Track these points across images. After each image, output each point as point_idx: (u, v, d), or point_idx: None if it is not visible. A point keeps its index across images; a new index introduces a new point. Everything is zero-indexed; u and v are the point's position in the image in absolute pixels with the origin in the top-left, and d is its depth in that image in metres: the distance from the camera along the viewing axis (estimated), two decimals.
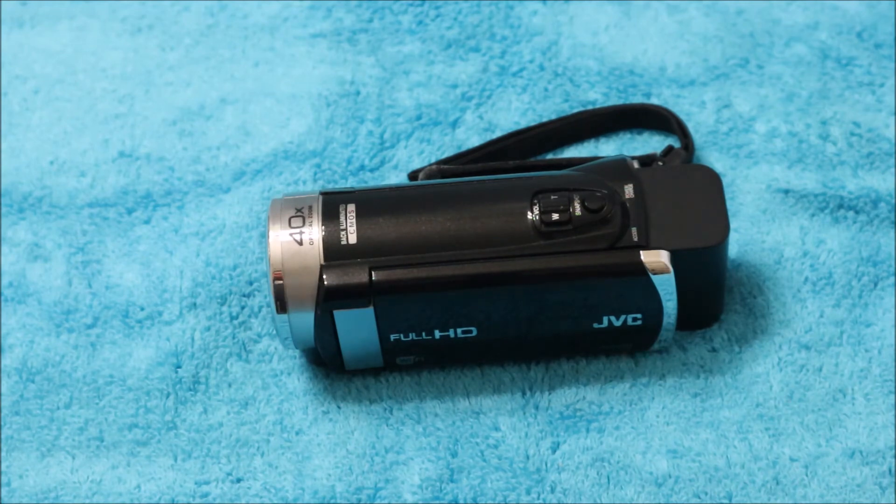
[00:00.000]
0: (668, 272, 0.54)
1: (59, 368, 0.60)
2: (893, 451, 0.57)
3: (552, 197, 0.55)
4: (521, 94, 0.66)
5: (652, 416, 0.58)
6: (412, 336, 0.55)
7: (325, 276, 0.54)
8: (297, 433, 0.58)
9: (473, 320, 0.55)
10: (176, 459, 0.58)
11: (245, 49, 0.69)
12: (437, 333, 0.56)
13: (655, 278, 0.54)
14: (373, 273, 0.54)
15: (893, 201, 0.62)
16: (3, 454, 0.58)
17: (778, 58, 0.67)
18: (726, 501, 0.56)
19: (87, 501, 0.57)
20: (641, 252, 0.55)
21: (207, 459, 0.57)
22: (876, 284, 0.60)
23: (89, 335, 0.61)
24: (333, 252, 0.55)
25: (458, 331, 0.56)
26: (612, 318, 0.56)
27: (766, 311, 0.60)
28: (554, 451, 0.57)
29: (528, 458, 0.57)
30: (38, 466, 0.58)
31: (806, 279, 0.61)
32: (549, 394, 0.58)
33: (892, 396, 0.58)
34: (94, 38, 0.69)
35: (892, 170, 0.63)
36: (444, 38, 0.68)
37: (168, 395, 0.59)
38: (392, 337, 0.55)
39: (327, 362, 0.57)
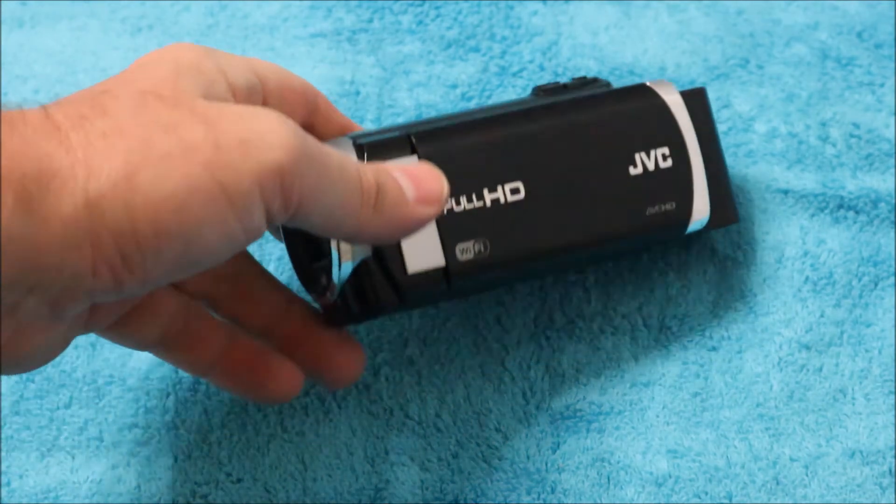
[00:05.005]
0: (675, 93, 0.57)
1: (59, 368, 0.60)
2: (894, 452, 0.57)
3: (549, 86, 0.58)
4: (521, 94, 0.66)
5: (652, 416, 0.58)
6: (463, 204, 0.53)
7: (358, 141, 0.53)
8: (297, 433, 0.58)
9: (516, 172, 0.54)
10: (176, 460, 0.57)
11: (245, 49, 0.68)
12: (487, 197, 0.53)
13: (667, 99, 0.57)
14: (412, 137, 0.54)
15: (893, 201, 0.62)
16: (3, 454, 0.58)
17: (778, 58, 0.67)
18: (726, 501, 0.56)
19: (87, 501, 0.57)
20: (648, 82, 0.58)
21: (208, 460, 0.57)
22: (876, 284, 0.60)
23: (89, 335, 0.61)
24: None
25: (507, 190, 0.54)
26: (644, 158, 0.56)
27: (767, 310, 0.60)
28: (554, 452, 0.57)
29: (528, 458, 0.57)
30: (37, 466, 0.58)
31: (806, 279, 0.61)
32: (549, 394, 0.58)
33: (893, 396, 0.58)
34: (94, 38, 0.69)
35: (892, 170, 0.63)
36: (444, 38, 0.68)
37: (168, 395, 0.59)
38: (445, 208, 0.52)
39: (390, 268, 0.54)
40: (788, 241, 0.62)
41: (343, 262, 0.51)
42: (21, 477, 0.57)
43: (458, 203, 0.53)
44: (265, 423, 0.58)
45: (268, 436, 0.58)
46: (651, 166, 0.56)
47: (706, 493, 0.56)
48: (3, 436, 0.58)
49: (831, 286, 0.60)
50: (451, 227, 0.52)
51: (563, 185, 0.55)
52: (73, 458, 0.58)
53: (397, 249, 0.51)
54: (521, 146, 0.54)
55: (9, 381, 0.59)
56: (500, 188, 0.54)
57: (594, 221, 0.55)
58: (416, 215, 0.47)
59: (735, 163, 0.64)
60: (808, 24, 0.68)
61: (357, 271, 0.51)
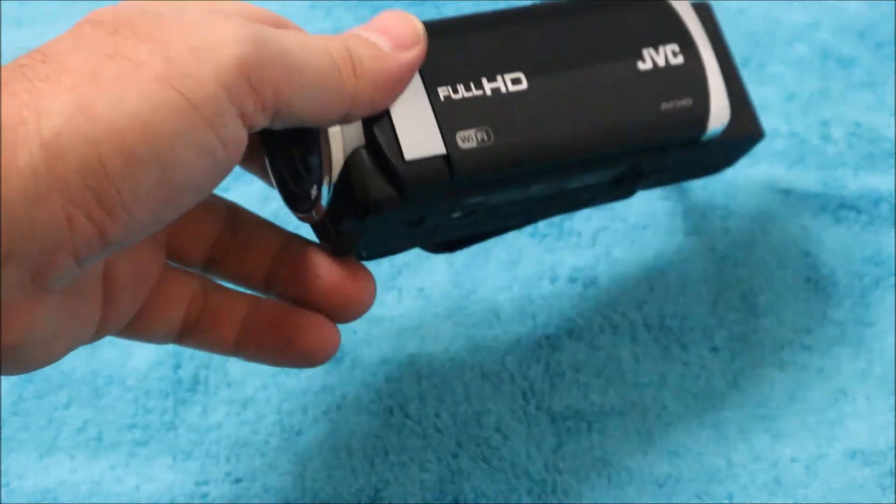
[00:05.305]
0: None
1: (58, 369, 0.60)
2: (894, 452, 0.56)
3: None
4: None
5: (652, 417, 0.58)
6: (461, 92, 0.48)
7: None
8: (297, 433, 0.58)
9: (517, 63, 0.50)
10: (175, 460, 0.57)
11: None
12: (487, 85, 0.49)
13: (673, 2, 0.53)
14: None
15: (894, 201, 0.62)
16: (3, 454, 0.58)
17: (779, 57, 0.67)
18: (727, 502, 0.56)
19: (87, 502, 0.57)
20: None
21: (207, 460, 0.57)
22: (878, 284, 0.60)
23: None
24: None
25: (508, 80, 0.49)
26: (652, 53, 0.52)
27: (768, 310, 0.60)
28: (555, 452, 0.57)
29: (528, 458, 0.57)
30: (37, 467, 0.58)
31: (807, 279, 0.61)
32: (550, 394, 0.58)
33: (893, 397, 0.58)
34: None
35: (893, 170, 0.63)
36: None
37: (167, 396, 0.59)
38: (441, 92, 0.48)
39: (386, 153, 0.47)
40: (789, 241, 0.62)
41: (334, 152, 0.46)
42: (20, 477, 0.57)
43: (454, 91, 0.48)
44: (264, 422, 0.58)
45: (267, 435, 0.58)
46: (661, 62, 0.52)
47: (707, 494, 0.56)
48: (2, 436, 0.58)
49: (832, 286, 0.60)
50: (449, 115, 0.48)
51: (567, 77, 0.50)
52: (73, 458, 0.58)
53: (393, 137, 0.46)
54: (520, 37, 0.50)
55: (8, 381, 0.59)
56: (499, 77, 0.49)
57: (605, 115, 0.51)
58: (401, 63, 0.44)
59: (736, 163, 0.64)
60: (809, 23, 0.68)
61: (349, 170, 0.46)
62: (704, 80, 0.53)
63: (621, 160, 0.52)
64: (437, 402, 0.58)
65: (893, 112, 0.65)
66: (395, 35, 0.45)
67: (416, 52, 0.45)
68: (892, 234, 0.62)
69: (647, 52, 0.52)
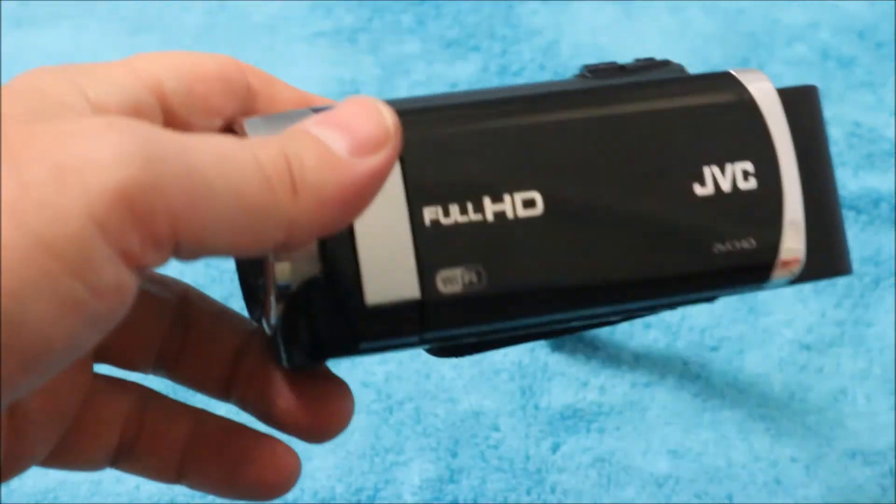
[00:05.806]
0: (768, 86, 0.41)
1: None
2: (894, 452, 0.56)
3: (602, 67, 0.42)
4: None
5: (652, 416, 0.58)
6: (454, 215, 0.37)
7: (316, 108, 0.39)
8: None
9: (534, 179, 0.38)
10: None
11: (245, 49, 0.69)
12: (490, 209, 0.38)
13: (756, 95, 0.41)
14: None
15: (894, 201, 0.62)
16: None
17: (779, 57, 0.67)
18: (727, 502, 0.56)
19: (87, 502, 0.57)
20: (732, 70, 0.42)
21: None
22: (877, 284, 0.60)
23: None
24: None
25: (518, 202, 0.38)
26: (717, 174, 0.39)
27: (768, 310, 0.60)
28: (554, 452, 0.57)
29: (528, 458, 0.57)
30: (37, 467, 0.57)
31: None
32: (549, 393, 0.58)
33: (893, 397, 0.58)
34: (94, 38, 0.69)
35: (893, 170, 0.63)
36: (444, 37, 0.68)
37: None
38: (427, 214, 0.37)
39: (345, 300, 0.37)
40: None
41: (279, 284, 0.36)
42: (20, 477, 0.57)
43: (446, 213, 0.37)
44: None
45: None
46: (726, 186, 0.39)
47: (707, 494, 0.56)
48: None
49: (832, 286, 0.60)
50: (433, 246, 0.37)
51: (598, 202, 0.39)
52: None
53: (354, 271, 0.36)
54: (544, 142, 0.38)
55: None
56: (508, 198, 0.38)
57: (637, 257, 0.39)
58: (361, 173, 0.32)
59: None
60: (809, 23, 0.68)
61: (296, 303, 0.37)
62: (779, 215, 0.40)
63: (646, 312, 0.42)
64: (437, 402, 0.58)
65: (893, 112, 0.65)
66: (356, 131, 0.33)
67: (382, 158, 0.33)
68: (892, 234, 0.62)
69: (711, 172, 0.40)
